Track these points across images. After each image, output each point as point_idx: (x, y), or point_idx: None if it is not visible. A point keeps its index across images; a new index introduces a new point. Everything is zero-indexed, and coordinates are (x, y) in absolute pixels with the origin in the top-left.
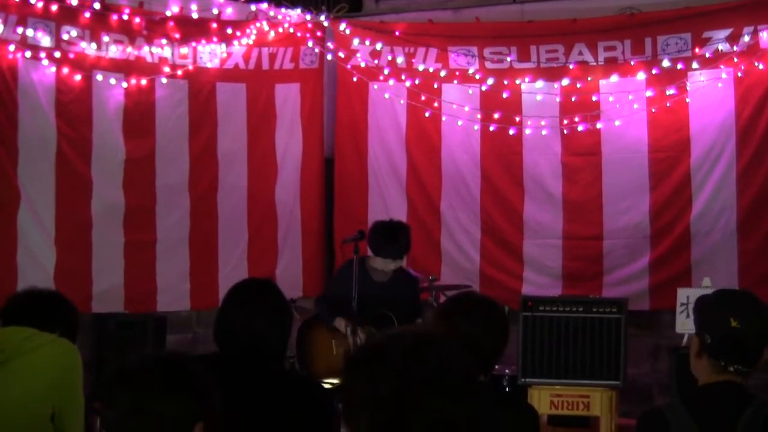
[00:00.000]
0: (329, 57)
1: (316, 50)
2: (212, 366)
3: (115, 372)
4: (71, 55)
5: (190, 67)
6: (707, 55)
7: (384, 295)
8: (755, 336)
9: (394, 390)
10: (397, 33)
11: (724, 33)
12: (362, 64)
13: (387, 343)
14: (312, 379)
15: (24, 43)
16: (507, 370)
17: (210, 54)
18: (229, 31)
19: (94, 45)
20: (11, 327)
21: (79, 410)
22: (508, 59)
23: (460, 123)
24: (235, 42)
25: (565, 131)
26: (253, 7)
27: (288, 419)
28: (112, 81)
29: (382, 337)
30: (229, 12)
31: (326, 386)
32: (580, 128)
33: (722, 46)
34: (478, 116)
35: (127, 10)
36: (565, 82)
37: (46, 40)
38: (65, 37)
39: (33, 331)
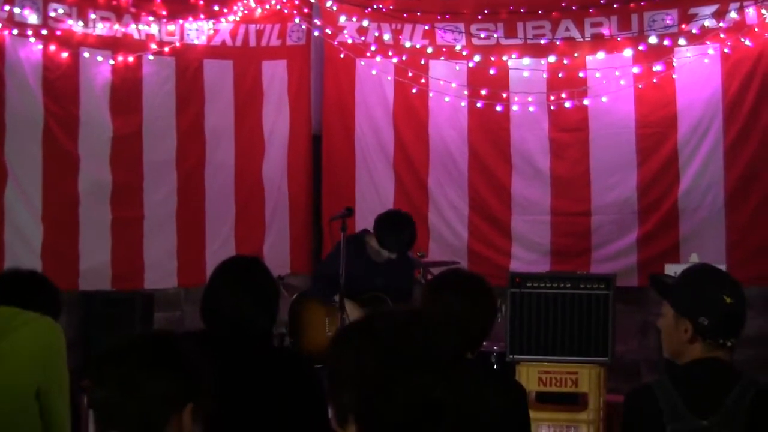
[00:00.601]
0: (316, 33)
1: (303, 27)
2: (199, 344)
3: (103, 351)
4: (58, 33)
5: (177, 44)
6: (694, 31)
7: (381, 276)
8: (744, 307)
9: (381, 366)
10: (383, 9)
11: (711, 9)
12: (349, 41)
13: (375, 320)
14: (300, 355)
15: (11, 21)
16: (495, 347)
17: (197, 31)
18: (216, 8)
19: (81, 22)
20: None
21: (63, 387)
22: (495, 36)
23: (447, 99)
24: (222, 19)
25: (552, 107)
26: None
27: (276, 396)
28: (99, 58)
29: (370, 315)
30: None
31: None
32: (567, 104)
33: (708, 23)
34: (465, 93)
35: None
36: (552, 58)
37: (33, 18)
38: (52, 14)
39: (16, 310)
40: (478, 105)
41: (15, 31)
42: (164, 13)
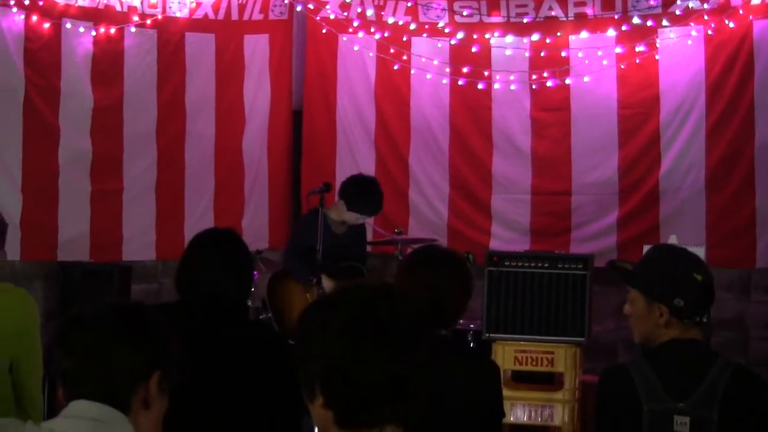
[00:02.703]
0: (299, 8)
1: (286, 1)
2: (173, 315)
3: (72, 320)
4: (40, 3)
5: (159, 17)
6: (677, 12)
7: (343, 246)
8: (712, 279)
9: (345, 337)
10: None
11: None
12: (332, 16)
13: (341, 294)
14: (270, 327)
15: None
16: (472, 325)
17: (179, 4)
18: None
19: None
20: None
21: (36, 360)
22: (478, 14)
23: (429, 76)
24: None
25: (534, 86)
26: None
27: (246, 367)
28: (81, 29)
29: (336, 289)
30: None
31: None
32: (549, 84)
33: (692, 4)
34: (447, 70)
35: None
36: (535, 37)
37: None
38: None
39: None
40: (460, 83)
41: None
42: None
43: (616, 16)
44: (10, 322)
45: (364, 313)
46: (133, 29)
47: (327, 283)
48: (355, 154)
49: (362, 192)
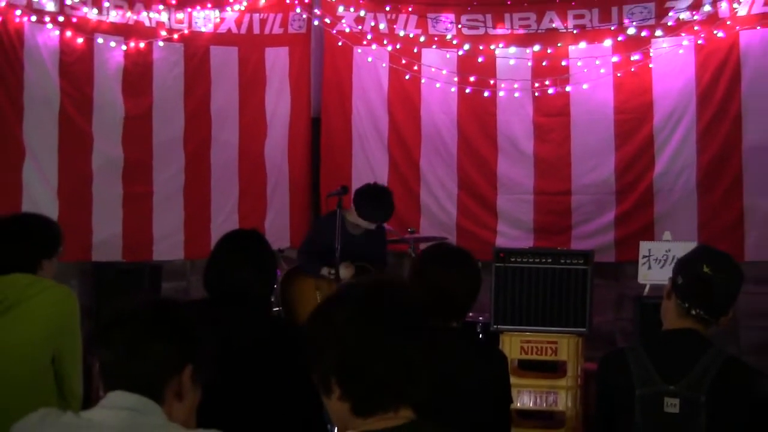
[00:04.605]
0: (316, 23)
1: (304, 16)
2: (202, 311)
3: (111, 317)
4: (74, 20)
5: (186, 31)
6: (670, 23)
7: (359, 247)
8: (723, 285)
9: (356, 330)
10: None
11: (686, 3)
12: (347, 30)
13: (347, 290)
14: (292, 322)
15: (30, 8)
16: (481, 318)
17: (204, 19)
18: None
19: (95, 10)
20: (12, 275)
21: (77, 352)
22: (484, 26)
23: (438, 85)
24: (228, 8)
25: (537, 93)
26: None
27: (269, 357)
28: (112, 44)
29: (343, 286)
30: None
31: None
32: (550, 91)
33: (684, 15)
34: (455, 79)
35: None
36: (537, 47)
37: (50, 5)
38: (68, 2)
39: (33, 278)
40: (467, 91)
41: (33, 18)
42: (173, 2)
43: (612, 28)
44: (53, 317)
45: (370, 303)
46: (161, 43)
47: (345, 272)
48: (369, 159)
49: (370, 201)
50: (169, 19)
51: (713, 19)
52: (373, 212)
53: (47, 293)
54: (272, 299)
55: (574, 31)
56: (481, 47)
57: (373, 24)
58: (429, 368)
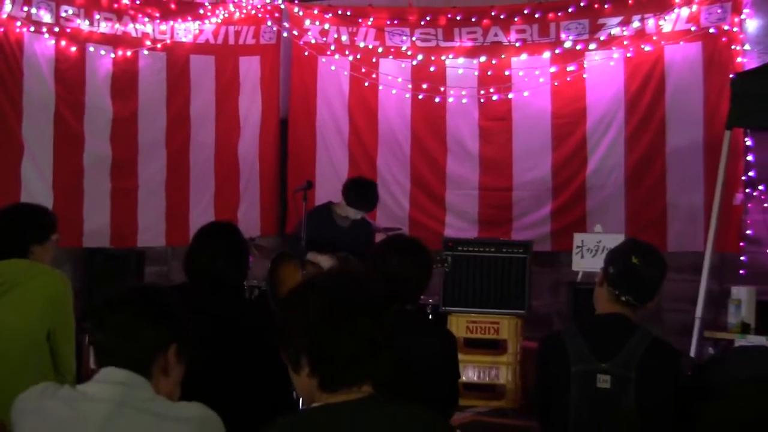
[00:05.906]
0: (285, 34)
1: (275, 29)
2: (184, 295)
3: (102, 301)
4: (68, 30)
5: (168, 42)
6: (602, 38)
7: (346, 238)
8: (649, 274)
9: (327, 314)
10: (342, 14)
11: (617, 20)
12: (313, 41)
13: (318, 279)
14: (264, 302)
15: (29, 20)
16: (430, 300)
17: (185, 30)
18: (201, 11)
19: (87, 22)
20: (10, 260)
21: (70, 330)
22: (435, 39)
23: (394, 92)
24: (206, 21)
25: (482, 100)
26: None
27: (242, 335)
28: (102, 52)
29: (314, 275)
30: None
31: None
32: (494, 98)
33: (615, 31)
34: (410, 86)
35: None
36: (483, 58)
37: (47, 17)
38: (63, 14)
39: (29, 262)
40: (420, 97)
41: (32, 29)
42: (158, 14)
43: (550, 41)
44: (48, 298)
45: (341, 293)
46: (146, 52)
47: (314, 257)
48: (332, 157)
49: (358, 191)
50: (153, 30)
51: (641, 35)
52: (359, 201)
53: (42, 277)
54: (244, 283)
55: (517, 44)
56: (432, 58)
57: (336, 36)
58: (389, 348)
